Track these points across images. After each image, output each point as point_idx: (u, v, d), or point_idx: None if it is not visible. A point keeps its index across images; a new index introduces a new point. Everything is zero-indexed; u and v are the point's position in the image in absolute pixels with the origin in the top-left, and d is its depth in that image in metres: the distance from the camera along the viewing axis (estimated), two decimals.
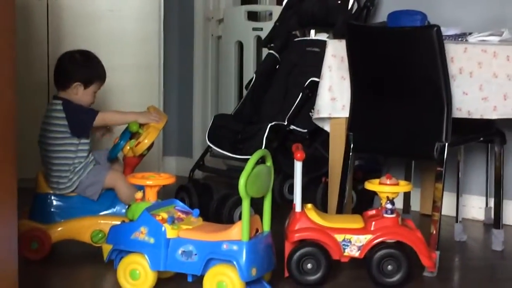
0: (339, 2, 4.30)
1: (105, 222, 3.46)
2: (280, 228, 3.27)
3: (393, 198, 3.19)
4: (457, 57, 3.45)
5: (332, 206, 3.82)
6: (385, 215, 3.18)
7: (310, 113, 4.01)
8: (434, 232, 3.35)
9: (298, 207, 3.20)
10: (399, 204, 3.70)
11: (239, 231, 2.91)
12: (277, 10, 4.76)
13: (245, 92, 4.50)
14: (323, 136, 4.08)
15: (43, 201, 3.52)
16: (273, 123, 4.02)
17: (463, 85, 3.44)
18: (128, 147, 3.57)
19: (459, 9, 4.24)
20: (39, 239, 3.42)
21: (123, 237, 3.07)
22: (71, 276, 3.32)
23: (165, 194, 3.57)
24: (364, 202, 4.13)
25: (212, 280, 2.93)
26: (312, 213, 3.21)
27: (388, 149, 3.62)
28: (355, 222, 3.22)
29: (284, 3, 4.57)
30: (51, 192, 3.51)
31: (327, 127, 3.91)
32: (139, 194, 3.14)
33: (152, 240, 3.01)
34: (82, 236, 3.47)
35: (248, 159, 2.91)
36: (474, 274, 3.44)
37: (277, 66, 4.46)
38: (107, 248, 3.15)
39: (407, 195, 4.11)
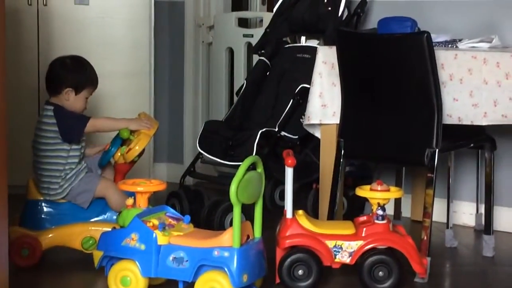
0: (330, 8, 4.30)
1: (95, 228, 3.45)
2: (271, 234, 3.27)
3: (384, 204, 3.19)
4: (448, 63, 3.46)
5: (323, 212, 3.82)
6: (376, 221, 3.18)
7: (301, 120, 4.02)
8: (425, 238, 3.36)
9: (289, 213, 3.20)
10: (390, 210, 3.71)
11: (230, 238, 2.91)
12: (267, 17, 4.77)
13: (236, 98, 4.50)
14: (314, 143, 4.09)
15: (34, 208, 3.51)
16: (263, 130, 4.02)
17: (453, 92, 3.45)
18: (119, 154, 3.57)
19: (449, 15, 4.25)
20: (29, 245, 3.41)
21: (114, 243, 3.06)
22: (61, 283, 3.31)
23: (156, 200, 3.57)
24: (355, 208, 4.13)
25: (203, 286, 2.92)
26: (303, 219, 3.21)
27: (378, 156, 3.62)
28: (346, 228, 3.23)
29: (274, 9, 4.57)
30: (42, 198, 3.50)
31: (318, 134, 3.92)
32: (130, 201, 3.14)
33: (143, 247, 3.00)
34: (73, 242, 3.46)
35: (239, 165, 2.91)
36: (465, 280, 3.44)
37: (268, 73, 4.46)
38: (98, 255, 3.14)
39: (398, 201, 4.12)
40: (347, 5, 4.29)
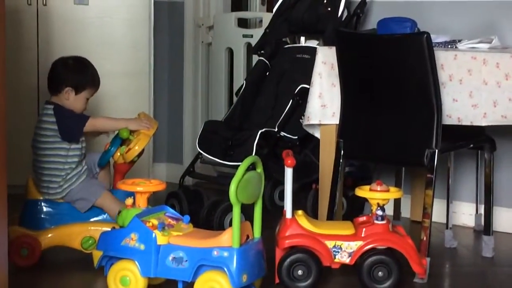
0: (329, 9, 4.30)
1: (95, 228, 3.45)
2: (271, 234, 3.27)
3: (383, 205, 3.19)
4: (447, 64, 3.46)
5: (323, 213, 3.82)
6: (376, 222, 3.18)
7: (301, 120, 4.02)
8: (425, 238, 3.36)
9: (288, 214, 3.20)
10: (389, 210, 3.71)
11: (229, 238, 2.91)
12: (267, 17, 4.77)
13: (235, 98, 4.50)
14: (313, 143, 4.09)
15: (33, 207, 3.51)
16: (263, 130, 4.02)
17: (453, 92, 3.45)
18: (119, 154, 3.57)
19: (449, 16, 4.25)
20: (29, 245, 3.41)
21: (113, 243, 3.06)
22: (61, 283, 3.31)
23: (155, 200, 3.57)
24: (354, 209, 4.13)
25: (203, 286, 2.92)
26: (302, 219, 3.21)
27: (378, 156, 3.62)
28: (346, 228, 3.23)
29: (274, 10, 4.57)
30: (42, 198, 3.50)
31: (317, 134, 3.92)
32: (129, 201, 3.14)
33: (142, 247, 3.00)
34: (72, 242, 3.46)
35: (239, 165, 2.91)
36: (465, 280, 3.44)
37: (267, 73, 4.46)
38: (97, 255, 3.14)
39: (397, 202, 4.12)
40: (346, 6, 4.29)
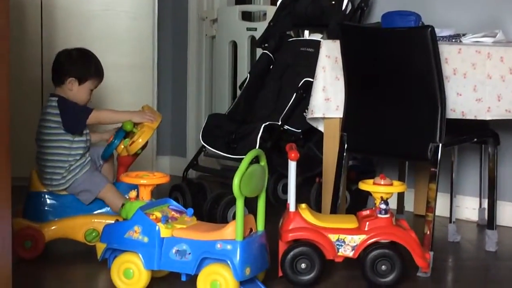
0: (333, 2, 4.30)
1: (99, 221, 3.45)
2: (274, 227, 3.27)
3: (387, 199, 3.19)
4: (451, 58, 3.45)
5: (326, 206, 3.82)
6: (379, 215, 3.18)
7: (304, 113, 4.02)
8: (428, 232, 3.36)
9: (292, 207, 3.20)
10: (393, 204, 3.70)
11: (233, 231, 2.91)
12: (271, 10, 4.77)
13: (239, 92, 4.50)
14: (317, 136, 4.09)
15: (37, 200, 3.51)
16: (267, 123, 4.02)
17: (457, 86, 3.44)
18: (122, 146, 3.57)
19: (453, 10, 4.24)
20: (32, 237, 3.41)
21: (117, 236, 3.06)
22: (64, 275, 3.31)
23: (159, 193, 3.57)
24: (358, 202, 4.13)
25: (206, 279, 2.92)
26: (306, 213, 3.21)
27: (382, 150, 3.62)
28: (349, 222, 3.23)
29: (278, 3, 4.57)
30: (45, 190, 3.51)
31: (321, 127, 3.91)
32: (133, 193, 3.14)
33: (146, 239, 3.00)
34: (75, 235, 3.46)
35: (242, 158, 2.91)
36: (468, 274, 3.44)
37: (271, 66, 4.46)
38: (101, 247, 3.15)
39: (401, 196, 4.11)
40: None
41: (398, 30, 3.56)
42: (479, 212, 4.15)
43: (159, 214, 3.04)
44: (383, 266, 3.13)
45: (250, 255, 2.92)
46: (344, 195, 3.89)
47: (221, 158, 4.28)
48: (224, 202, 3.91)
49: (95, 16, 4.90)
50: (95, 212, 3.52)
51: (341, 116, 3.70)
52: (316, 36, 4.43)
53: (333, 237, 3.16)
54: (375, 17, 4.39)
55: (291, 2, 4.49)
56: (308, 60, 4.19)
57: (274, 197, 4.39)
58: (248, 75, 4.46)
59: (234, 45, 5.12)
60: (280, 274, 3.17)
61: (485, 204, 3.85)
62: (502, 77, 3.39)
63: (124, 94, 4.91)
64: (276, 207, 4.00)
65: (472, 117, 3.45)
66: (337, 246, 3.16)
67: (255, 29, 4.96)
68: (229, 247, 2.90)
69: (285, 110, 4.12)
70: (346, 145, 3.65)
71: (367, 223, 3.17)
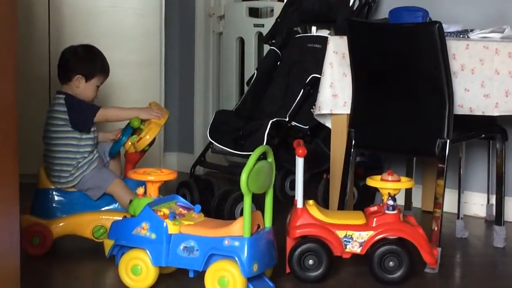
0: None
1: (106, 217, 3.46)
2: (282, 224, 3.27)
3: (394, 195, 3.18)
4: (459, 53, 3.44)
5: (334, 203, 3.82)
6: (387, 212, 3.17)
7: (312, 110, 4.01)
8: (436, 228, 3.35)
9: (299, 203, 3.20)
10: (400, 200, 3.70)
11: (240, 227, 2.91)
12: (278, 7, 4.77)
13: (246, 88, 4.50)
14: (324, 133, 4.09)
15: (45, 196, 3.52)
16: (274, 119, 4.02)
17: (465, 82, 3.44)
18: (130, 143, 3.58)
19: (461, 5, 4.24)
20: (40, 234, 3.42)
21: (125, 232, 3.07)
22: (72, 272, 3.32)
23: (166, 190, 3.57)
24: (365, 199, 4.13)
25: (214, 275, 2.93)
26: (313, 209, 3.20)
27: (389, 146, 3.62)
28: (357, 218, 3.22)
29: None
30: (53, 187, 3.51)
31: (328, 123, 3.91)
32: (140, 190, 3.14)
33: (153, 236, 3.01)
34: (83, 231, 3.47)
35: (250, 155, 2.91)
36: (476, 270, 3.44)
37: (278, 63, 4.45)
38: (108, 244, 3.15)
39: (408, 192, 4.11)
40: None
41: (405, 26, 3.55)
42: (487, 208, 4.14)
43: (166, 211, 3.04)
44: (390, 262, 3.13)
45: (257, 252, 2.92)
46: (352, 191, 3.88)
47: (229, 154, 4.28)
48: (232, 198, 3.91)
49: (102, 12, 4.91)
50: (103, 209, 3.52)
51: (349, 112, 3.70)
52: (324, 32, 4.43)
53: (340, 233, 3.16)
54: (383, 13, 4.39)
55: None
56: (315, 56, 4.19)
57: (282, 193, 4.39)
58: (255, 71, 4.46)
59: (242, 41, 5.12)
60: (288, 270, 3.18)
61: (493, 200, 3.84)
62: (510, 72, 3.38)
63: (131, 91, 4.91)
64: (284, 204, 3.99)
65: (480, 113, 3.44)
66: (345, 243, 3.16)
67: (262, 26, 4.96)
68: (236, 243, 2.90)
69: (293, 107, 4.12)
70: (353, 141, 3.65)
71: (375, 219, 3.16)
